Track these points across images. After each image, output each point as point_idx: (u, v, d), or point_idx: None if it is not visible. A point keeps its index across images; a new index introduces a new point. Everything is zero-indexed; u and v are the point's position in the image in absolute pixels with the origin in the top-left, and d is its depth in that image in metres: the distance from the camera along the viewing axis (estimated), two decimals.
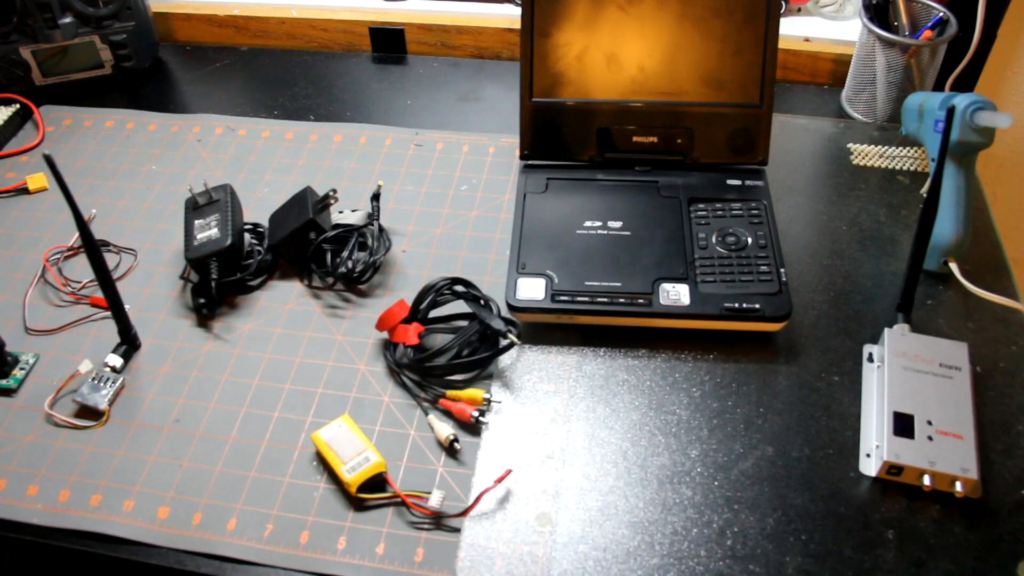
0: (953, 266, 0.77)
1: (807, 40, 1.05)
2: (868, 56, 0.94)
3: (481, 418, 0.69)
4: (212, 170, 0.95)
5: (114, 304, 0.73)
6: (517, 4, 1.10)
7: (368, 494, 0.65)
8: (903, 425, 0.65)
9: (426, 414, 0.71)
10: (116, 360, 0.75)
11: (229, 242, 0.79)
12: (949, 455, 0.64)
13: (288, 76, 1.09)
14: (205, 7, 1.14)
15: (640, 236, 0.79)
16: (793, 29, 1.05)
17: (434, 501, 0.64)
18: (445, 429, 0.69)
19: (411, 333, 0.73)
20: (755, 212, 0.81)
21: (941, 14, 0.92)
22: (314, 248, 0.81)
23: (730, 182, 0.84)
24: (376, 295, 0.81)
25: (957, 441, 0.64)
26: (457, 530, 0.64)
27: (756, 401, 0.71)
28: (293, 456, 0.69)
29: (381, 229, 0.84)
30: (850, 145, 0.94)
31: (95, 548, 0.64)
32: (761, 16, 0.81)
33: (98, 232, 0.87)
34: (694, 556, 0.62)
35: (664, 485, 0.66)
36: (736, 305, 0.73)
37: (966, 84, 0.98)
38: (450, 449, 0.69)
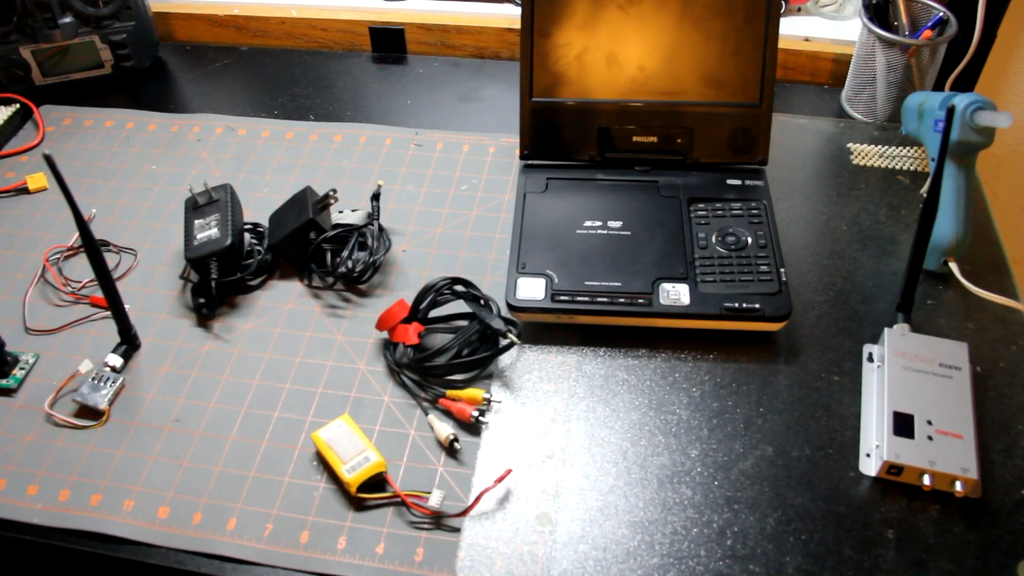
0: (953, 266, 0.77)
1: (807, 40, 1.05)
2: (868, 56, 0.94)
3: (481, 418, 0.69)
4: (212, 170, 0.95)
5: (114, 304, 0.73)
6: (517, 4, 1.10)
7: (368, 494, 0.65)
8: (903, 425, 0.65)
9: (426, 414, 0.71)
10: (116, 360, 0.75)
11: (229, 242, 0.79)
12: (949, 455, 0.64)
13: (288, 76, 1.09)
14: (205, 7, 1.14)
15: (640, 236, 0.79)
16: (793, 29, 1.05)
17: (434, 501, 0.64)
18: (445, 429, 0.69)
19: (411, 333, 0.73)
20: (755, 212, 0.81)
21: (941, 14, 0.92)
22: (314, 248, 0.81)
23: (730, 182, 0.84)
24: (376, 295, 0.81)
25: (957, 441, 0.64)
26: (457, 530, 0.64)
27: (756, 401, 0.71)
28: (293, 456, 0.69)
29: (381, 229, 0.84)
30: (850, 145, 0.94)
31: (95, 548, 0.64)
32: (761, 16, 0.81)
33: (98, 232, 0.87)
34: (694, 556, 0.62)
35: (664, 485, 0.66)
36: (736, 305, 0.73)
37: (966, 84, 0.98)
38: (450, 449, 0.69)
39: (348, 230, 0.82)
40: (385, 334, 0.76)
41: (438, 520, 0.64)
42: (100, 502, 0.66)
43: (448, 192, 0.91)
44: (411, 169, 0.94)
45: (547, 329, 0.77)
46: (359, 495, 0.65)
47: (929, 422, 0.65)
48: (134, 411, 0.72)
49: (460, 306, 0.77)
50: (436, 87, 1.06)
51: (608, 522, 0.64)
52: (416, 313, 0.75)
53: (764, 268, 0.76)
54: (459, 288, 0.76)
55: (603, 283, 0.75)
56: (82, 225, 0.68)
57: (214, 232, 0.80)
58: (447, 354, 0.72)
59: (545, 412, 0.71)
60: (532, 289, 0.75)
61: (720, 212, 0.81)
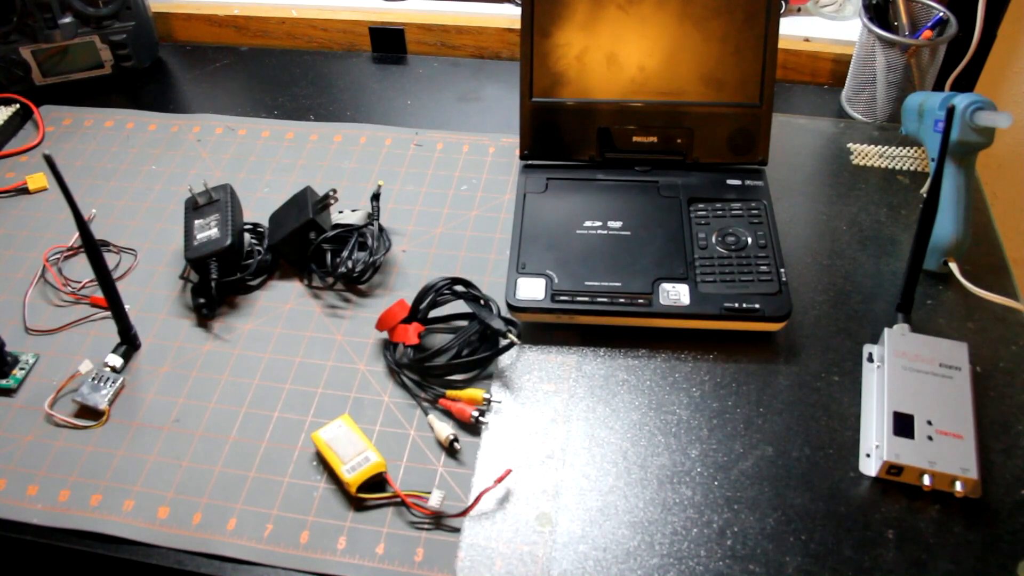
0: (953, 266, 0.77)
1: (807, 40, 1.05)
2: (868, 56, 0.94)
3: (481, 418, 0.69)
4: (212, 170, 0.95)
5: (114, 304, 0.73)
6: (517, 4, 1.10)
7: (368, 494, 0.65)
8: (903, 425, 0.65)
9: (426, 414, 0.71)
10: (116, 360, 0.75)
11: (229, 242, 0.79)
12: (949, 455, 0.64)
13: (288, 76, 1.09)
14: (205, 7, 1.14)
15: (640, 236, 0.79)
16: (793, 29, 1.05)
17: (434, 501, 0.64)
18: (445, 429, 0.69)
19: (411, 333, 0.73)
20: (755, 212, 0.81)
21: (941, 14, 0.92)
22: (314, 248, 0.81)
23: (730, 182, 0.84)
24: (376, 295, 0.81)
25: (957, 441, 0.64)
26: (457, 530, 0.64)
27: (756, 401, 0.71)
28: (293, 456, 0.69)
29: (381, 229, 0.84)
30: (850, 145, 0.94)
31: (95, 548, 0.64)
32: (761, 16, 0.81)
33: (98, 232, 0.87)
34: (694, 556, 0.62)
35: (664, 485, 0.66)
36: (736, 305, 0.73)
37: (966, 84, 0.98)
38: (450, 449, 0.69)
39: (348, 230, 0.82)
40: (385, 334, 0.76)
41: (438, 520, 0.64)
42: (100, 502, 0.66)
43: (448, 192, 0.91)
44: (411, 169, 0.94)
45: (547, 329, 0.77)
46: (359, 495, 0.65)
47: (929, 422, 0.65)
48: (134, 411, 0.72)
49: (460, 306, 0.77)
50: (436, 87, 1.06)
51: (608, 522, 0.64)
52: (416, 313, 0.75)
53: (764, 268, 0.76)
54: (459, 288, 0.76)
55: (603, 283, 0.75)
56: (82, 225, 0.68)
57: (214, 232, 0.80)
58: (447, 354, 0.72)
59: (545, 412, 0.71)
60: (532, 289, 0.75)
61: (720, 212, 0.81)
